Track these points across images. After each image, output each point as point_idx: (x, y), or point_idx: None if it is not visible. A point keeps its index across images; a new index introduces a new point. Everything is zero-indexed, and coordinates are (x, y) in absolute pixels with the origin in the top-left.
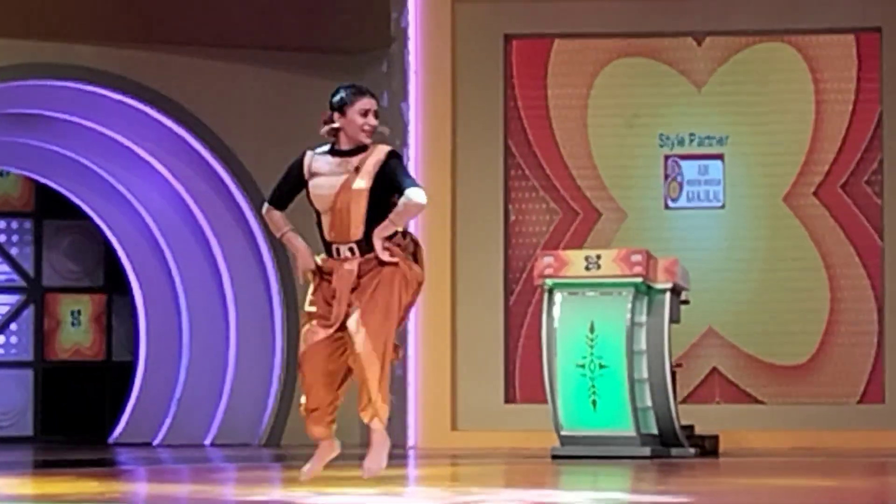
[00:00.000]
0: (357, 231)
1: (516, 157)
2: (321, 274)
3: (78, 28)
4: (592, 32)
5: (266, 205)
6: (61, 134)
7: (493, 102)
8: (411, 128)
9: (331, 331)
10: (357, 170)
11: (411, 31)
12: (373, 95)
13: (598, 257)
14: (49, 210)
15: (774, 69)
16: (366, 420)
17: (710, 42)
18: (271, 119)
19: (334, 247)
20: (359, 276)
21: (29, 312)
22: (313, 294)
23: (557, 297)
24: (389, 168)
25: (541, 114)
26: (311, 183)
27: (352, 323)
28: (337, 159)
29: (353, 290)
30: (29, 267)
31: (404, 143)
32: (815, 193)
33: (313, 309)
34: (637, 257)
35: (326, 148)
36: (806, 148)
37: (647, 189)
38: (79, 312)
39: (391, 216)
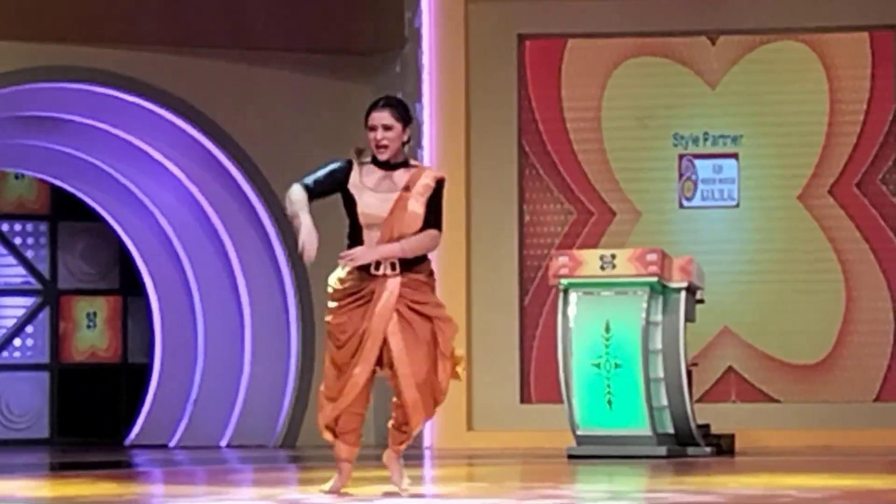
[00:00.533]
0: None
1: (530, 157)
2: (348, 293)
3: (93, 31)
4: (606, 32)
5: (296, 184)
6: (76, 136)
7: (507, 102)
8: (425, 128)
9: (370, 368)
10: (407, 188)
11: (425, 32)
12: (385, 106)
13: (613, 257)
14: (64, 212)
15: (788, 68)
16: (399, 451)
17: (724, 41)
18: (286, 121)
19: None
20: (400, 297)
21: (44, 315)
22: (339, 314)
23: (573, 296)
24: (435, 198)
25: (555, 114)
26: (361, 199)
27: (403, 369)
28: (380, 172)
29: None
30: (44, 269)
31: (419, 144)
32: (829, 192)
33: (343, 338)
34: (652, 256)
35: (369, 158)
36: (820, 146)
37: (661, 188)
38: (94, 314)
39: (405, 243)
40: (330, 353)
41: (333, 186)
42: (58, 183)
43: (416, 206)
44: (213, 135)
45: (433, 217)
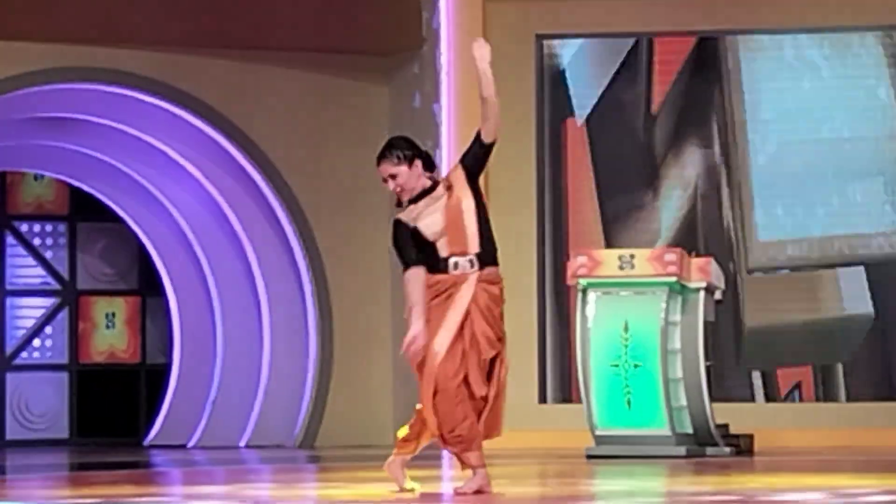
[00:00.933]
0: (474, 244)
1: (549, 158)
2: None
3: (112, 32)
4: (623, 32)
5: (412, 268)
6: (95, 137)
7: (525, 102)
8: (443, 129)
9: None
10: (449, 188)
11: (443, 32)
12: (381, 158)
13: (632, 257)
14: (83, 213)
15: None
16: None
17: (741, 39)
18: (304, 121)
19: (452, 260)
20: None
21: (63, 315)
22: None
23: (591, 296)
24: (464, 158)
25: (573, 113)
26: (421, 225)
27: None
28: (423, 200)
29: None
30: (63, 270)
31: (437, 145)
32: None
33: (443, 346)
34: (671, 256)
35: (406, 204)
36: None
37: (680, 187)
38: (113, 315)
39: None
40: None
41: (416, 243)
42: (77, 184)
43: (465, 197)
44: (232, 135)
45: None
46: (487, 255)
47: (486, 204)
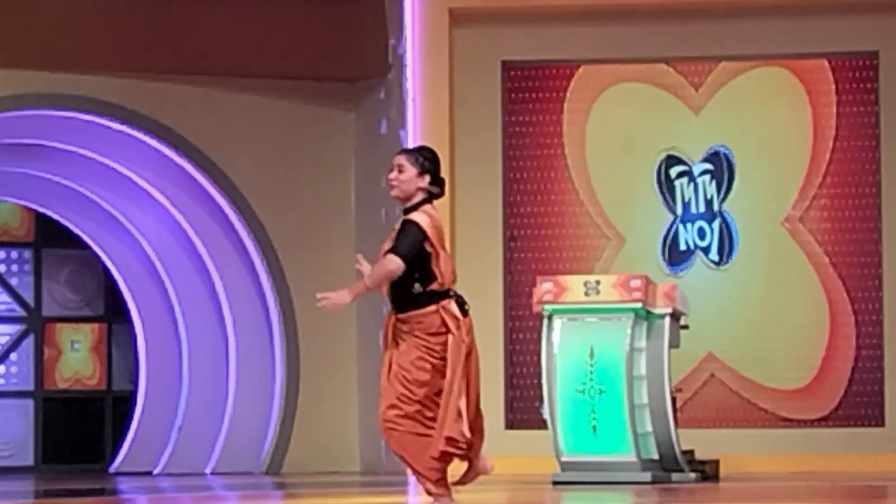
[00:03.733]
0: (385, 291)
1: (515, 184)
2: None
3: (77, 58)
4: (590, 59)
5: (401, 263)
6: (60, 163)
7: (492, 129)
8: None
9: None
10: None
11: (409, 59)
12: (404, 151)
13: (598, 283)
14: (49, 239)
15: (771, 94)
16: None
17: (707, 67)
18: (270, 147)
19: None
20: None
21: (29, 342)
22: None
23: (557, 322)
24: (401, 231)
25: (539, 140)
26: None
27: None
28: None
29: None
30: (29, 296)
31: None
32: (812, 217)
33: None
34: (636, 282)
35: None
36: (804, 171)
37: (645, 213)
38: (79, 342)
39: (367, 276)
40: None
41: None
42: (42, 210)
43: (387, 243)
44: (198, 162)
45: (396, 244)
46: (399, 304)
47: (434, 250)
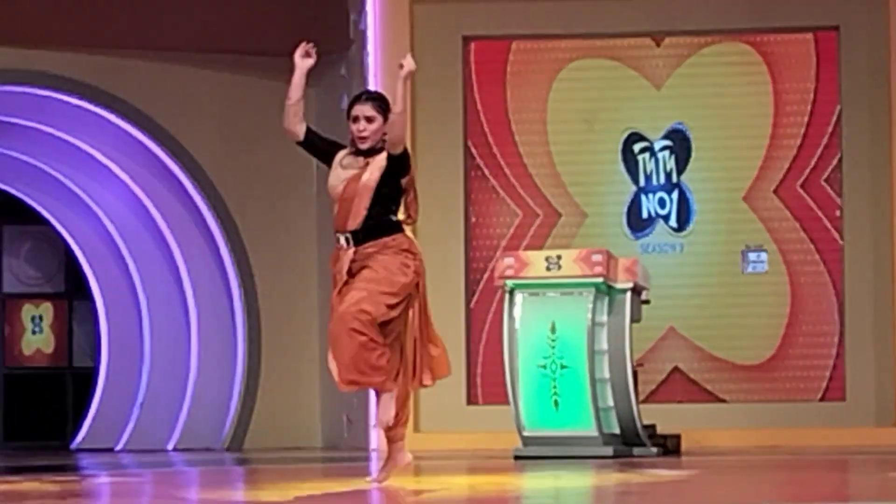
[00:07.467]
0: (355, 222)
1: (476, 159)
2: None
3: (34, 33)
4: (551, 34)
5: (303, 134)
6: (20, 140)
7: (453, 104)
8: None
9: None
10: (367, 165)
11: (370, 34)
12: (368, 99)
13: (559, 258)
14: (8, 216)
15: (733, 69)
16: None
17: (669, 42)
18: (230, 122)
19: (336, 235)
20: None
21: None
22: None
23: (518, 297)
24: (392, 160)
25: (500, 115)
26: (330, 175)
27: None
28: (356, 158)
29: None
30: None
31: None
32: (775, 192)
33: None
34: (598, 257)
35: (355, 148)
36: (765, 147)
37: (606, 189)
38: (40, 318)
39: (403, 92)
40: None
41: (325, 151)
42: (2, 186)
43: (370, 177)
44: (158, 137)
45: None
46: (369, 233)
47: (411, 187)
